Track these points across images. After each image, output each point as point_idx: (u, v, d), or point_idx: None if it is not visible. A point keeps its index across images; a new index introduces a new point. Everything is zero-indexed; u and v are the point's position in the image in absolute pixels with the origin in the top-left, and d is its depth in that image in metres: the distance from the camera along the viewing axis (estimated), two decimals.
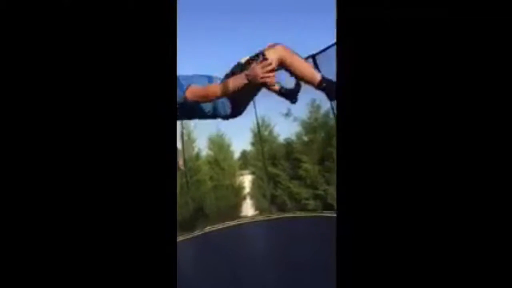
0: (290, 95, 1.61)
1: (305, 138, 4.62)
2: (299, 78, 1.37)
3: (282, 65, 1.35)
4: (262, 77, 1.18)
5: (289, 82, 1.57)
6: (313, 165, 4.57)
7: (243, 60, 1.40)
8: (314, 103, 4.37)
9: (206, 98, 1.32)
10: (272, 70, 1.19)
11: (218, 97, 1.31)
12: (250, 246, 2.71)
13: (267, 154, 5.05)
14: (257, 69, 1.19)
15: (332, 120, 3.95)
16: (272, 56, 1.31)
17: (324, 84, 1.33)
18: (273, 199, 4.90)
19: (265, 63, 1.19)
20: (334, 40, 2.78)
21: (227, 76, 1.41)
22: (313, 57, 2.90)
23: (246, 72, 1.21)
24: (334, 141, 3.94)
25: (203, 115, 1.48)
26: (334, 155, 4.05)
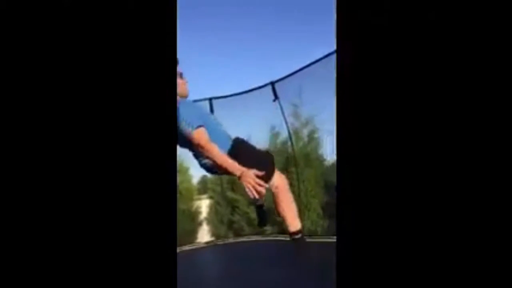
0: (262, 219, 1.62)
1: None
2: (281, 215, 1.40)
3: (274, 192, 1.37)
4: (248, 187, 1.20)
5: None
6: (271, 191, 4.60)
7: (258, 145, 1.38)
8: (273, 130, 4.50)
9: (202, 151, 1.29)
10: (262, 188, 1.22)
11: (210, 159, 1.30)
12: (203, 270, 2.62)
13: (226, 179, 5.02)
14: (251, 179, 1.20)
15: (289, 148, 4.08)
16: (274, 179, 1.32)
17: (297, 236, 1.36)
18: (230, 225, 4.82)
19: (261, 182, 1.20)
20: (298, 67, 2.95)
21: (234, 145, 1.41)
22: (272, 84, 3.04)
23: (244, 171, 1.23)
24: (291, 168, 4.05)
25: (184, 146, 1.46)
26: (291, 182, 4.15)
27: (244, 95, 3.38)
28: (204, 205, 5.25)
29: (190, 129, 1.28)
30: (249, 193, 1.19)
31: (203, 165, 1.46)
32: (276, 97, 3.01)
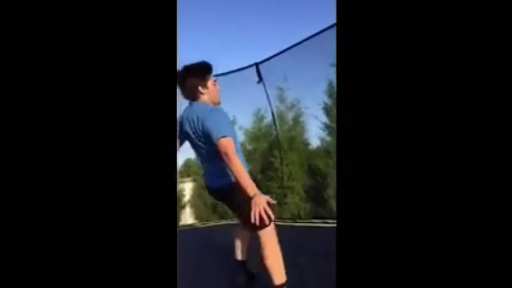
0: (246, 270, 1.68)
1: (249, 147, 4.67)
2: (266, 266, 1.34)
3: (262, 241, 1.32)
4: (255, 210, 1.13)
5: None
6: (256, 174, 4.61)
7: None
8: (259, 113, 4.45)
9: (227, 161, 1.22)
10: (268, 216, 1.15)
11: (232, 172, 1.24)
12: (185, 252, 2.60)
13: None
14: (261, 205, 1.14)
15: (274, 131, 4.05)
16: (267, 228, 1.29)
17: (279, 284, 1.33)
18: (214, 208, 4.81)
19: (269, 211, 1.14)
20: (279, 49, 2.87)
21: (249, 172, 1.35)
22: (256, 65, 2.96)
23: (258, 193, 1.17)
24: (275, 151, 4.03)
25: (200, 154, 1.40)
26: (275, 165, 4.15)
27: (229, 75, 3.28)
28: (187, 188, 5.22)
29: (218, 135, 1.22)
30: (252, 216, 1.14)
31: (215, 184, 1.41)
32: (260, 78, 2.94)
